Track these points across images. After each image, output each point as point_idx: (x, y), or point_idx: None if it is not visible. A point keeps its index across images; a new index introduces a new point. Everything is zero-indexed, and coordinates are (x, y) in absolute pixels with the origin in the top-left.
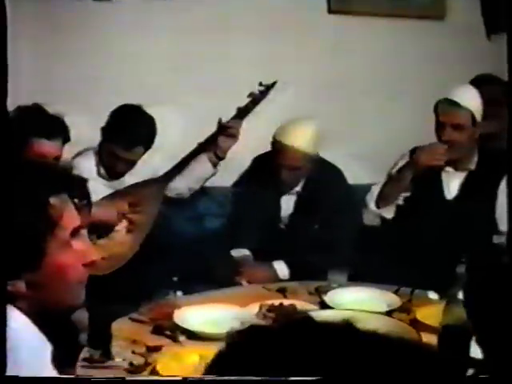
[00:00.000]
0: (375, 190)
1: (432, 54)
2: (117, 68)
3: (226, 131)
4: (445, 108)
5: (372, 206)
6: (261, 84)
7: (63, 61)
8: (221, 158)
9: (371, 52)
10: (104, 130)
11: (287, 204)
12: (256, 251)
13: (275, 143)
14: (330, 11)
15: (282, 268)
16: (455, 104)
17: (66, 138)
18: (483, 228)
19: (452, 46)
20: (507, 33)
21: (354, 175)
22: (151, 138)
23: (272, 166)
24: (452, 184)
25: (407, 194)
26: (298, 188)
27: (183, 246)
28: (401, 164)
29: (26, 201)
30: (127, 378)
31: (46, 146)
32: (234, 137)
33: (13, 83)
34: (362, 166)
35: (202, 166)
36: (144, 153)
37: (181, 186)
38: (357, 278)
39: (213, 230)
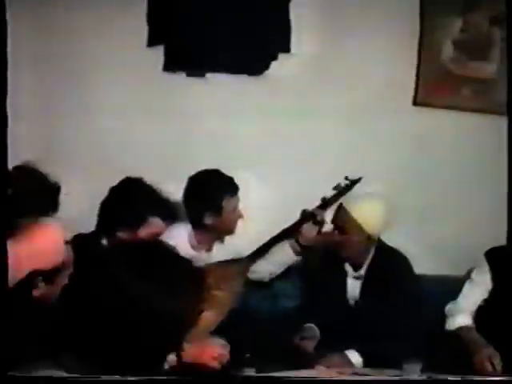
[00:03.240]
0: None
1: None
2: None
3: (310, 220)
4: None
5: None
6: (347, 178)
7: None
8: (303, 247)
9: (454, 146)
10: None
11: (354, 287)
12: (326, 331)
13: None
14: (415, 103)
15: (355, 357)
16: None
17: None
18: None
19: None
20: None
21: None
22: None
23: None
24: None
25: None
26: (362, 271)
27: (257, 324)
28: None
29: None
30: (130, 379)
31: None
32: (318, 226)
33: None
34: (430, 256)
35: (284, 253)
36: None
37: (262, 269)
38: (431, 369)
39: (287, 309)
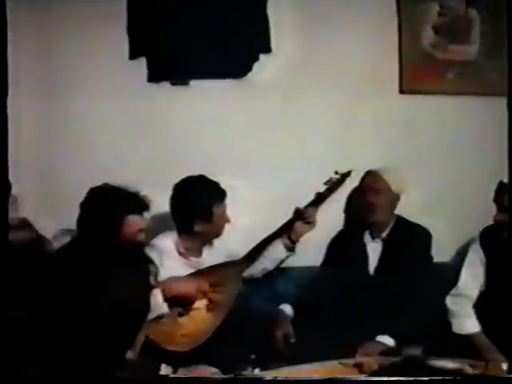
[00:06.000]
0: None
1: (496, 130)
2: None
3: (303, 218)
4: None
5: None
6: (336, 173)
7: None
8: (295, 242)
9: (441, 129)
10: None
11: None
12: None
13: (365, 175)
14: (402, 92)
15: (388, 340)
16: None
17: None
18: None
19: None
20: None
21: None
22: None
23: (359, 194)
24: None
25: None
26: (384, 234)
27: (261, 325)
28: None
29: None
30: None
31: (137, 222)
32: (310, 223)
33: None
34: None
35: (275, 250)
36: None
37: (255, 267)
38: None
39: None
